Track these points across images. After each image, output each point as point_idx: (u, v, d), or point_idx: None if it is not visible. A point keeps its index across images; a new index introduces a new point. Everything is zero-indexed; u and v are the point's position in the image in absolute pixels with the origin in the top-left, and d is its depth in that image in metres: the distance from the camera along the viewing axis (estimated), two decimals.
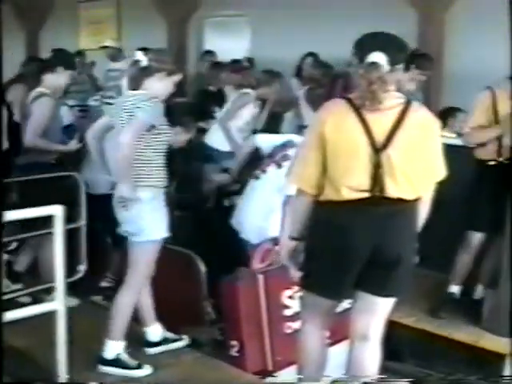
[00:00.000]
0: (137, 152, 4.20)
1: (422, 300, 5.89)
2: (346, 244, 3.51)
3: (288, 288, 4.82)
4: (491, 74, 5.95)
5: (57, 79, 5.64)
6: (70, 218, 4.62)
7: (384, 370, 5.49)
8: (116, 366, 4.41)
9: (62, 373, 4.07)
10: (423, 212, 3.63)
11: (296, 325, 4.90)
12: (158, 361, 4.63)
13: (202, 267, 4.96)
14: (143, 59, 4.35)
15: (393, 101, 3.44)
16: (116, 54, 9.62)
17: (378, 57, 3.37)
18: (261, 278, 4.80)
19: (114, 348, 4.43)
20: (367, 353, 3.75)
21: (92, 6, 12.73)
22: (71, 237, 4.83)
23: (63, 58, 5.92)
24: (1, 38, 3.57)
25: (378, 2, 8.40)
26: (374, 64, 3.36)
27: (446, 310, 5.64)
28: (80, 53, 9.79)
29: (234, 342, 4.74)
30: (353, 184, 3.43)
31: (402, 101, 3.47)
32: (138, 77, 4.37)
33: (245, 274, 4.86)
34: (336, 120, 3.47)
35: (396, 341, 5.72)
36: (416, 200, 3.55)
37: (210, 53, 9.49)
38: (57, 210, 4.02)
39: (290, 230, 3.77)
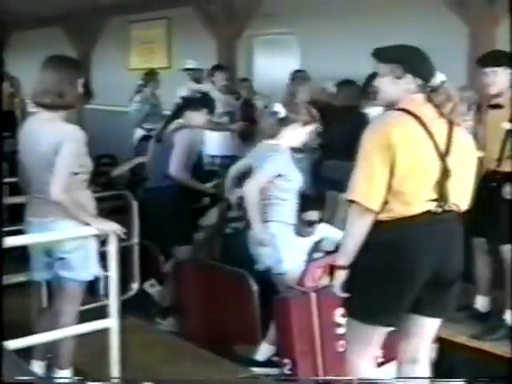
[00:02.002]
0: (268, 194, 4.71)
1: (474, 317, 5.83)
2: (412, 265, 3.37)
3: (340, 306, 4.79)
4: None
5: (197, 118, 5.98)
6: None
7: None
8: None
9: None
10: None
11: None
12: (209, 378, 4.63)
13: (254, 286, 4.96)
14: (281, 110, 4.73)
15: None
16: (199, 76, 9.62)
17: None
18: (313, 296, 4.78)
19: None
20: (416, 374, 3.67)
21: (143, 27, 12.87)
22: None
23: (209, 102, 6.31)
24: (2, 47, 3.63)
25: (429, 17, 8.35)
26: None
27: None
28: (154, 72, 9.80)
29: (287, 360, 4.72)
30: (425, 196, 3.36)
31: None
32: (275, 127, 4.75)
33: (297, 292, 4.85)
34: (403, 132, 3.36)
35: (448, 360, 5.69)
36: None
37: (300, 72, 9.34)
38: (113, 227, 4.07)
39: (345, 256, 3.49)
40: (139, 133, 9.29)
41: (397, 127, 3.37)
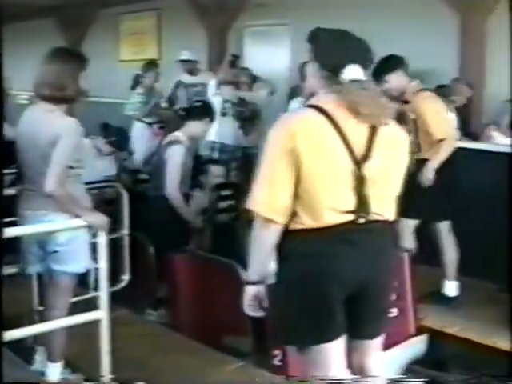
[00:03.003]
0: None
1: (466, 309, 5.85)
2: (336, 279, 3.02)
3: None
4: None
5: (198, 128, 6.05)
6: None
7: (427, 379, 5.52)
8: None
9: (106, 382, 4.10)
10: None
11: None
12: (201, 370, 4.65)
13: (244, 277, 4.94)
14: None
15: None
16: (193, 68, 9.54)
17: (356, 72, 3.08)
18: None
19: None
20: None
21: (133, 18, 12.84)
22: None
23: (209, 110, 6.30)
24: (1, 41, 3.62)
25: (419, 5, 8.35)
26: (363, 81, 3.09)
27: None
28: (154, 63, 9.70)
29: (277, 351, 4.73)
30: (337, 205, 2.98)
31: None
32: None
33: None
34: (309, 132, 2.99)
35: (439, 350, 5.72)
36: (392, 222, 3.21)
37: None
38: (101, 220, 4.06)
39: (252, 272, 3.23)
40: (137, 127, 9.21)
41: (302, 128, 2.98)
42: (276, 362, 4.72)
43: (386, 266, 3.17)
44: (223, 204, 6.13)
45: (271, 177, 2.99)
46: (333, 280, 3.02)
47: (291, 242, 3.04)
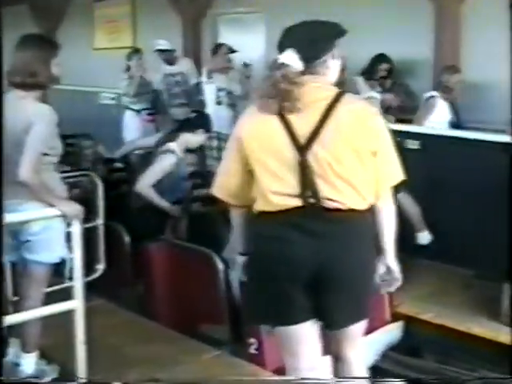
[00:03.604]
0: None
1: (441, 295, 5.89)
2: (280, 263, 3.09)
3: None
4: None
5: (193, 140, 6.11)
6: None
7: (402, 365, 5.56)
8: None
9: (82, 372, 4.08)
10: (386, 223, 3.25)
11: None
12: (176, 358, 4.65)
13: (220, 265, 4.95)
14: None
15: (319, 93, 3.12)
16: (171, 57, 9.43)
17: (287, 56, 3.10)
18: None
19: None
20: (346, 373, 3.40)
21: (107, 5, 12.73)
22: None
23: (205, 122, 6.39)
24: (1, 38, 3.61)
25: None
26: (282, 65, 3.09)
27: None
28: (138, 51, 9.58)
29: (253, 340, 4.73)
30: (281, 189, 3.07)
31: (332, 93, 3.11)
32: None
33: None
34: (253, 123, 3.16)
35: (414, 337, 5.75)
36: (368, 211, 3.16)
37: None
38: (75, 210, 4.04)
39: (235, 246, 3.46)
40: (127, 115, 9.14)
41: (247, 119, 3.21)
42: (252, 350, 4.73)
43: (349, 256, 3.12)
44: (198, 192, 6.11)
45: (225, 164, 3.30)
46: (282, 263, 3.10)
47: (252, 224, 3.23)
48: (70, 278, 4.10)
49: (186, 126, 6.26)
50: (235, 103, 8.41)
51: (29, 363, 4.22)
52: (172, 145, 5.99)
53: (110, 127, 9.44)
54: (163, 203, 5.77)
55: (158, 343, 4.84)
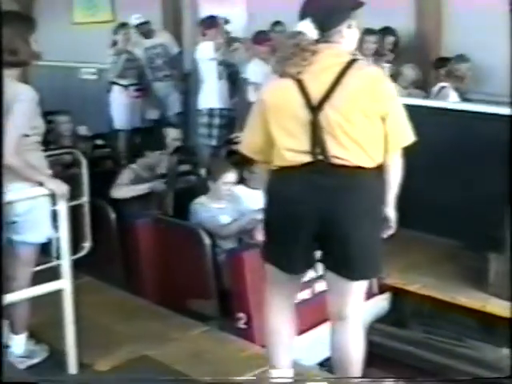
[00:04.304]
0: None
1: (427, 266, 5.91)
2: (292, 214, 3.35)
3: None
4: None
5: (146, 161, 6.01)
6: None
7: (390, 336, 5.59)
8: None
9: (72, 352, 4.07)
10: (393, 180, 3.45)
11: (302, 295, 4.92)
12: (166, 335, 4.65)
13: (207, 240, 4.95)
14: None
15: (332, 60, 3.34)
16: (148, 29, 9.24)
17: (304, 25, 3.34)
18: None
19: None
20: (346, 333, 3.52)
21: None
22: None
23: (154, 142, 6.26)
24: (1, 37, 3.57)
25: None
26: (299, 33, 3.34)
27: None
28: (124, 25, 9.41)
29: (241, 315, 4.74)
30: (294, 146, 3.33)
31: (345, 60, 3.32)
32: None
33: (249, 246, 4.87)
34: (274, 86, 3.48)
35: (401, 308, 5.79)
36: (376, 169, 3.34)
37: (279, 23, 9.08)
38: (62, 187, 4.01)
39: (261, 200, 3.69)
40: (114, 90, 9.03)
41: (270, 82, 3.54)
42: (240, 325, 4.74)
43: (353, 209, 3.30)
44: (183, 168, 6.09)
45: (250, 124, 3.59)
46: (292, 213, 3.35)
47: (270, 178, 3.50)
48: (57, 257, 4.07)
49: (146, 146, 6.20)
50: (235, 76, 8.31)
51: (18, 344, 4.20)
52: (134, 167, 6.04)
53: (92, 103, 9.38)
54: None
55: (146, 320, 4.84)
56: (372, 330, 5.62)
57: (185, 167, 6.12)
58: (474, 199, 5.97)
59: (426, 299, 5.58)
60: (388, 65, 7.45)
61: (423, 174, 6.19)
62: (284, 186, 3.41)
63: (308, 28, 3.33)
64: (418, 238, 6.31)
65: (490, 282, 5.41)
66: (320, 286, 5.13)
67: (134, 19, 9.13)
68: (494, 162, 5.52)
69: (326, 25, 3.36)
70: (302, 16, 3.38)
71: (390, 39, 7.69)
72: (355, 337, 3.54)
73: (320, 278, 5.09)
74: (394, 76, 7.10)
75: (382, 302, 5.71)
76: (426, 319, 5.67)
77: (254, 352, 4.43)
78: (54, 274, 4.06)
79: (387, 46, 7.67)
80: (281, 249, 3.46)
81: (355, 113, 3.26)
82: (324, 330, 4.93)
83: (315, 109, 3.28)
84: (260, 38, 7.93)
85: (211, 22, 8.41)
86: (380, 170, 3.37)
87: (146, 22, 9.16)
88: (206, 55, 8.08)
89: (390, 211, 3.57)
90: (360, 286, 3.49)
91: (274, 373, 3.69)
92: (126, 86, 8.82)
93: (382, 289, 5.68)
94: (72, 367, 4.11)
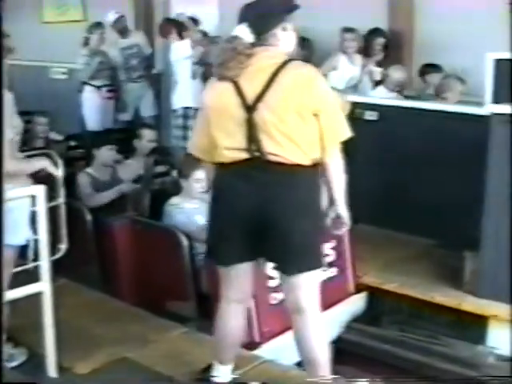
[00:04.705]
0: None
1: (403, 265, 5.95)
2: (233, 208, 3.52)
3: None
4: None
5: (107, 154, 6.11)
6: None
7: (366, 335, 5.62)
8: None
9: (51, 355, 4.04)
10: (334, 176, 3.56)
11: (281, 295, 4.93)
12: (145, 337, 4.63)
13: (185, 241, 4.94)
14: None
15: (267, 62, 3.48)
16: (124, 26, 9.10)
17: (239, 30, 3.51)
18: None
19: None
20: (305, 326, 3.64)
21: None
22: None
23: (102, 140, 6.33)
24: (1, 36, 3.54)
25: None
26: (235, 37, 3.50)
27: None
28: (99, 24, 9.29)
29: None
30: (232, 144, 3.49)
31: (279, 61, 3.46)
32: None
33: None
34: (214, 89, 3.62)
35: (378, 307, 5.81)
36: (314, 166, 3.50)
37: None
38: (38, 190, 3.98)
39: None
40: (87, 91, 8.94)
41: (211, 86, 3.69)
42: None
43: (288, 205, 3.45)
44: (159, 169, 6.07)
45: (197, 127, 3.83)
46: (231, 208, 3.53)
47: (215, 175, 3.67)
48: (35, 260, 4.04)
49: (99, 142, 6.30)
50: (209, 75, 8.26)
51: None
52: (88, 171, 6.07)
53: (63, 103, 9.29)
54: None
55: (124, 322, 4.82)
56: (349, 328, 5.66)
57: (161, 168, 6.10)
58: (450, 198, 6.03)
59: (403, 298, 5.61)
60: (379, 69, 7.46)
61: (400, 173, 6.24)
62: (226, 182, 3.58)
63: (244, 32, 3.49)
64: (394, 237, 6.37)
65: (466, 280, 5.46)
66: None
67: (111, 15, 9.02)
68: (470, 161, 5.56)
69: (261, 28, 3.51)
70: (240, 21, 3.54)
71: (380, 40, 7.71)
72: (315, 329, 3.65)
73: None
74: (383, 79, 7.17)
75: (358, 301, 5.74)
76: (402, 318, 5.70)
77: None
78: (29, 277, 4.02)
79: (377, 47, 7.69)
80: (223, 242, 3.61)
81: (288, 111, 3.41)
82: None
83: (250, 109, 3.44)
84: None
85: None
86: (317, 167, 3.53)
87: (122, 16, 9.04)
88: (181, 54, 8.06)
89: (341, 209, 3.68)
90: (309, 279, 3.60)
91: (220, 368, 3.90)
92: (98, 87, 8.75)
93: (359, 288, 5.71)
94: (52, 370, 4.08)
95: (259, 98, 3.43)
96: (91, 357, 4.34)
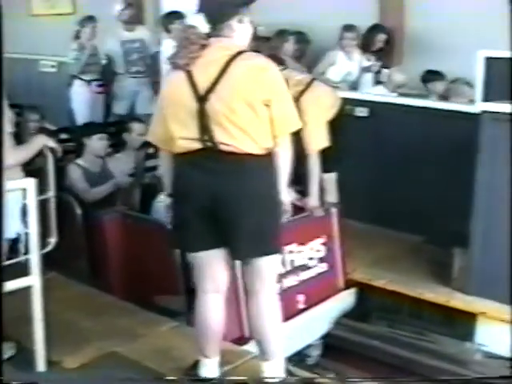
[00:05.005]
0: None
1: (393, 261, 5.96)
2: (189, 197, 3.59)
3: None
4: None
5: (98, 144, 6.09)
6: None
7: (355, 331, 5.63)
8: None
9: (40, 349, 4.03)
10: (282, 165, 3.62)
11: None
12: (134, 331, 4.62)
13: None
14: None
15: (221, 53, 3.51)
16: (132, 16, 8.98)
17: (195, 20, 3.57)
18: None
19: None
20: (259, 306, 3.76)
21: None
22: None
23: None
24: (1, 36, 3.52)
25: None
26: (191, 27, 3.57)
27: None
28: (91, 18, 9.18)
29: None
30: (186, 134, 3.55)
31: (231, 52, 3.51)
32: None
33: None
34: (170, 79, 3.69)
35: (367, 303, 5.83)
36: (267, 155, 3.55)
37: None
38: (29, 183, 3.97)
39: (167, 187, 3.88)
40: (76, 85, 8.87)
41: (167, 77, 3.80)
42: None
43: (242, 192, 3.52)
44: (150, 163, 6.05)
45: (155, 116, 3.81)
46: (187, 197, 3.61)
47: (174, 165, 3.72)
48: (25, 253, 4.03)
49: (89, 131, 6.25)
50: None
51: None
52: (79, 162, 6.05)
53: (52, 96, 9.25)
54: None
55: (114, 316, 4.81)
56: (338, 324, 5.67)
57: (151, 162, 6.07)
58: (440, 195, 6.05)
59: (391, 294, 5.62)
60: (387, 70, 7.45)
61: (390, 170, 6.25)
62: (182, 172, 3.64)
63: (199, 22, 3.54)
64: (383, 234, 6.38)
65: (454, 277, 5.48)
66: (288, 282, 5.20)
67: (117, 5, 8.84)
68: (460, 158, 5.58)
69: (216, 19, 3.54)
70: (197, 10, 3.57)
71: (381, 36, 7.69)
72: (269, 311, 3.77)
73: (288, 273, 5.20)
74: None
75: (347, 297, 5.75)
76: (390, 314, 5.72)
77: (223, 348, 4.42)
78: (19, 271, 4.00)
79: (378, 44, 7.68)
80: (184, 230, 3.68)
81: (239, 102, 3.46)
82: (292, 325, 5.03)
83: (202, 99, 3.50)
84: None
85: (175, 17, 8.30)
86: (271, 155, 3.57)
87: (127, 8, 8.88)
88: (167, 50, 8.01)
89: (284, 195, 3.74)
90: (265, 264, 3.69)
91: (207, 362, 3.91)
92: (88, 81, 8.69)
93: (348, 284, 5.72)
94: (40, 365, 4.08)
95: (211, 89, 3.48)
96: (80, 351, 4.33)
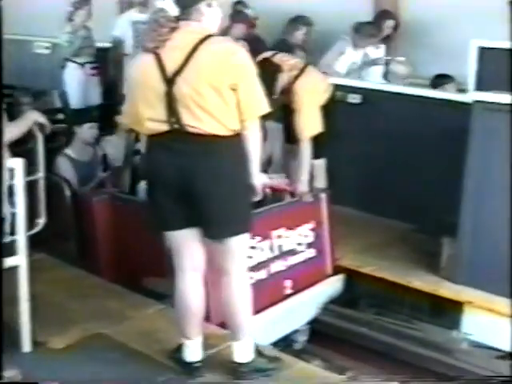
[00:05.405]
0: None
1: (381, 249, 5.97)
2: (160, 178, 3.66)
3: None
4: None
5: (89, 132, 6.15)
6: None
7: (342, 317, 5.64)
8: None
9: (26, 330, 4.04)
10: (251, 148, 3.67)
11: (258, 275, 4.94)
12: (121, 313, 4.62)
13: None
14: None
15: (189, 36, 3.56)
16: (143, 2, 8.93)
17: (164, 3, 3.59)
18: None
19: None
20: (229, 287, 3.84)
21: None
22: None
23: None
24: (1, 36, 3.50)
25: None
26: (160, 10, 3.60)
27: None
28: (87, 0, 9.10)
29: None
30: (153, 116, 3.60)
31: (199, 36, 3.55)
32: None
33: None
34: (139, 61, 3.71)
35: (355, 290, 5.83)
36: (235, 136, 3.60)
37: (240, 3, 8.98)
38: (16, 163, 3.96)
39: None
40: (70, 67, 8.81)
41: (137, 59, 3.77)
42: None
43: (208, 173, 3.57)
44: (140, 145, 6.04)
45: (127, 97, 3.83)
46: (158, 178, 3.68)
47: (146, 146, 3.81)
48: (11, 234, 4.02)
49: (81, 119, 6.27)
50: None
51: None
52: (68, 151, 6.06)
53: (46, 77, 9.21)
54: None
55: (101, 298, 4.82)
56: (325, 310, 5.67)
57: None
58: (429, 183, 6.06)
59: (379, 281, 5.63)
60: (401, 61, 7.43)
61: (380, 157, 6.25)
62: (152, 153, 3.71)
63: (168, 5, 3.58)
64: (372, 221, 6.40)
65: (443, 266, 5.49)
66: (276, 267, 5.20)
67: None
68: (451, 147, 5.58)
69: (185, 2, 3.59)
70: None
71: (390, 23, 7.66)
72: (239, 291, 3.84)
73: (276, 258, 5.20)
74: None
75: (335, 283, 5.75)
76: (378, 301, 5.73)
77: (210, 331, 4.42)
78: (5, 251, 3.98)
79: (386, 30, 7.65)
80: (158, 210, 3.74)
81: (205, 86, 3.50)
82: (279, 310, 5.04)
83: (170, 82, 3.54)
84: (237, 17, 8.12)
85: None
86: (239, 136, 3.63)
87: None
88: None
89: (254, 179, 3.79)
90: (235, 244, 3.76)
91: (189, 344, 3.93)
92: (82, 64, 8.64)
93: (336, 270, 5.72)
94: (26, 345, 4.09)
95: (178, 72, 3.52)
96: (66, 332, 4.33)
